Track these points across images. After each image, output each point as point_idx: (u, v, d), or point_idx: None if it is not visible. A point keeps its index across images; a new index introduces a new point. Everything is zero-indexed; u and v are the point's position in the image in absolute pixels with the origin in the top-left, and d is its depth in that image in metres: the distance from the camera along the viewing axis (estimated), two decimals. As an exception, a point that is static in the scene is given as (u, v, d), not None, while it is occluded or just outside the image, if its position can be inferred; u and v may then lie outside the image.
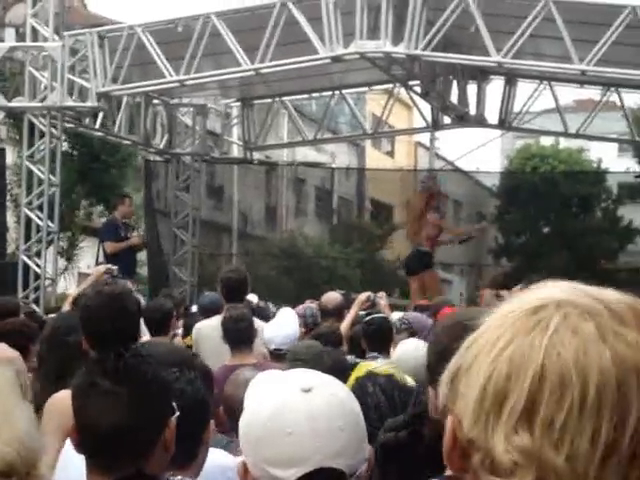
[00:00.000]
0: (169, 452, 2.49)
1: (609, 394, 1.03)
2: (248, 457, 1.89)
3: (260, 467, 1.86)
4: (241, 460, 1.92)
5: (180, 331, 8.20)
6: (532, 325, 1.08)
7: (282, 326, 6.47)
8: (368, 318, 6.83)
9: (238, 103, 15.66)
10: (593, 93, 15.90)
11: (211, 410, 3.06)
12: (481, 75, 14.38)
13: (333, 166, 26.05)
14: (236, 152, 17.47)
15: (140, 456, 2.41)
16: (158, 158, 16.67)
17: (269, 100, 15.48)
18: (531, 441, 1.03)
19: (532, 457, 1.03)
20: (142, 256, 14.95)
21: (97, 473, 2.40)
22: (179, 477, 2.67)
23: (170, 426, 2.47)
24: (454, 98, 14.23)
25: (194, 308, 9.40)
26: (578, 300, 1.09)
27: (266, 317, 7.69)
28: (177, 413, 2.49)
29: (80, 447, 2.44)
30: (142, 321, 6.97)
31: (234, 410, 3.90)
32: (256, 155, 16.78)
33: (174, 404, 2.51)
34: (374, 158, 30.18)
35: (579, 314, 1.08)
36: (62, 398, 3.39)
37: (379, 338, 6.52)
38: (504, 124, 15.35)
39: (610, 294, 1.11)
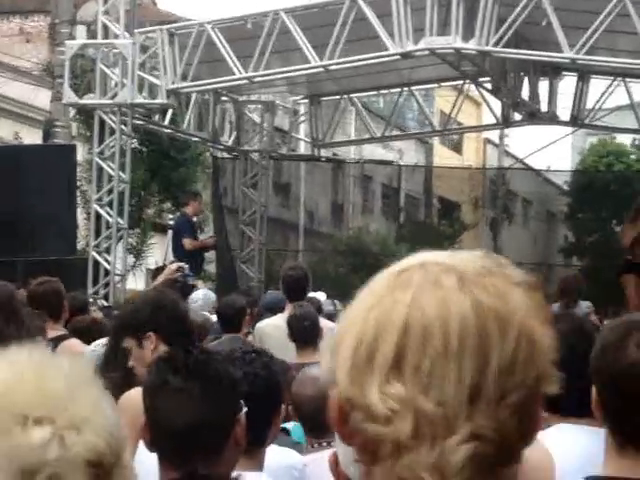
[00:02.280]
0: (240, 447, 2.49)
1: (470, 340, 1.08)
2: (339, 451, 1.86)
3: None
4: (332, 452, 1.88)
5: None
6: (396, 285, 1.13)
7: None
8: None
9: (306, 100, 15.64)
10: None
11: (283, 395, 3.05)
12: (553, 71, 14.16)
13: (400, 163, 25.91)
14: (303, 149, 17.48)
15: (213, 452, 2.41)
16: (226, 155, 16.72)
17: (337, 97, 15.43)
18: (403, 389, 1.07)
19: (407, 404, 1.07)
20: (210, 253, 15.01)
21: (170, 469, 2.38)
22: (240, 473, 2.63)
23: (240, 422, 2.46)
24: (525, 94, 14.04)
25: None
26: (441, 259, 1.14)
27: (329, 316, 7.63)
28: (245, 409, 2.48)
29: (152, 445, 2.43)
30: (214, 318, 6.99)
31: (302, 408, 3.85)
32: (323, 152, 16.74)
33: (246, 389, 2.50)
34: (442, 155, 29.98)
35: (441, 270, 1.12)
36: (134, 396, 3.38)
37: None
38: (576, 121, 15.09)
39: (477, 254, 1.16)
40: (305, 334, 6.07)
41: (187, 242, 12.16)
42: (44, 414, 0.93)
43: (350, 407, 1.11)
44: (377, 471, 1.11)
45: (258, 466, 2.90)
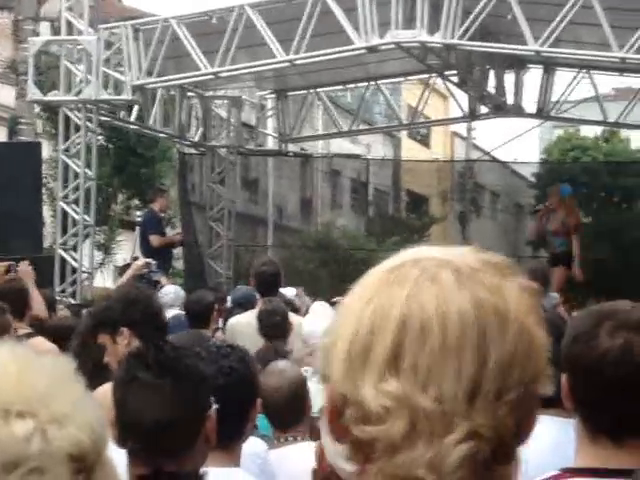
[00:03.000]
0: (210, 444, 2.48)
1: (469, 335, 1.07)
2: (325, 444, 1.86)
3: (334, 458, 1.83)
4: (319, 443, 1.89)
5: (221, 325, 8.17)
6: (391, 280, 1.12)
7: (322, 319, 6.42)
8: None
9: (273, 95, 15.60)
10: (633, 81, 15.65)
11: (258, 389, 3.05)
12: (518, 64, 14.21)
13: (368, 157, 25.93)
14: (271, 144, 17.43)
15: (182, 449, 2.39)
16: (193, 151, 16.66)
17: (304, 92, 15.40)
18: (399, 386, 1.06)
19: (402, 401, 1.06)
20: (178, 250, 14.95)
21: (138, 465, 2.36)
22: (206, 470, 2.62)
23: (211, 418, 2.45)
24: (491, 87, 14.08)
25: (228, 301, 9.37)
26: (435, 254, 1.14)
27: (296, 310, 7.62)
28: (215, 406, 2.47)
29: (121, 441, 2.41)
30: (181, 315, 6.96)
31: (268, 401, 3.85)
32: (291, 147, 16.72)
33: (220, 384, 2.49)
34: (410, 149, 30.04)
35: (437, 265, 1.12)
36: (103, 392, 3.37)
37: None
38: (542, 113, 15.17)
39: (468, 249, 1.15)
40: (275, 329, 6.07)
41: (154, 238, 12.11)
42: (26, 409, 0.92)
43: (343, 403, 1.10)
44: (371, 469, 1.09)
45: (235, 461, 2.89)
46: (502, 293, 1.10)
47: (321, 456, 1.92)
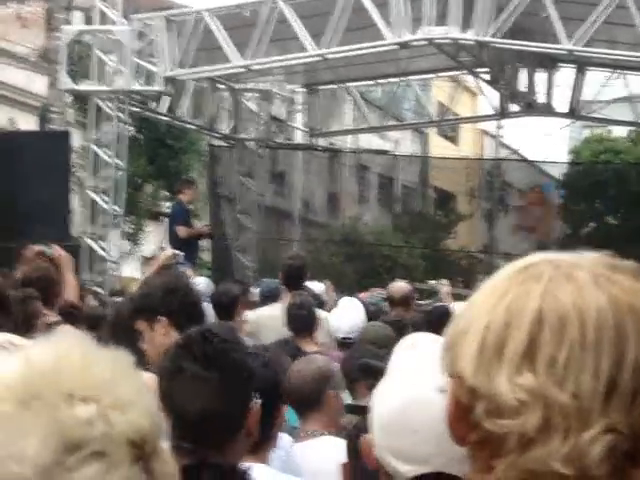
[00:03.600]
0: (252, 437, 2.49)
1: (607, 332, 1.07)
2: (375, 438, 1.87)
3: (382, 453, 1.86)
4: (367, 437, 1.90)
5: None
6: (526, 277, 1.12)
7: (349, 314, 6.41)
8: (430, 307, 6.74)
9: (303, 89, 15.60)
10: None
11: (282, 395, 3.05)
12: (551, 63, 14.13)
13: (397, 153, 25.88)
14: (300, 138, 17.43)
15: (225, 441, 2.41)
16: (222, 143, 16.68)
17: (334, 86, 15.39)
18: (535, 380, 1.06)
19: (537, 395, 1.06)
20: (205, 242, 14.99)
21: (182, 456, 2.37)
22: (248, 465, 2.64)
23: (253, 412, 2.46)
24: (522, 86, 14.01)
25: (254, 292, 9.37)
26: (568, 257, 1.15)
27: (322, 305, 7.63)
28: (259, 400, 2.49)
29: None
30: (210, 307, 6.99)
31: (297, 392, 3.86)
32: (320, 141, 16.71)
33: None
34: (438, 146, 29.95)
35: (570, 265, 1.13)
36: (147, 380, 3.38)
37: (441, 328, 6.42)
38: (573, 113, 15.07)
39: (597, 254, 1.16)
40: (302, 322, 6.07)
41: (181, 230, 12.12)
42: (89, 394, 0.93)
43: (473, 398, 1.10)
44: (498, 465, 1.09)
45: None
46: (637, 294, 1.10)
47: (368, 452, 1.92)
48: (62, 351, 0.97)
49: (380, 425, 1.86)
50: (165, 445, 1.01)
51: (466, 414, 1.12)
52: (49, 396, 0.92)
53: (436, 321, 6.46)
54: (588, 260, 1.15)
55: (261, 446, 2.83)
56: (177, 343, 2.58)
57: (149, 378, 2.59)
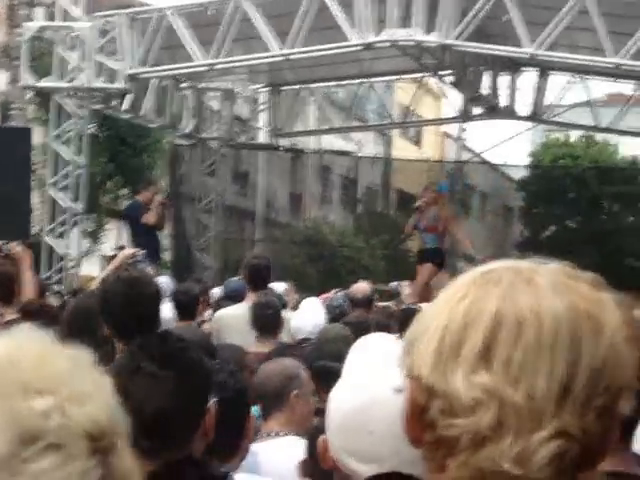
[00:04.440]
0: (208, 437, 2.49)
1: (563, 336, 1.08)
2: (330, 438, 1.87)
3: (338, 453, 1.87)
4: (323, 437, 1.90)
5: (208, 317, 8.14)
6: (485, 281, 1.14)
7: (310, 315, 6.41)
8: (403, 307, 6.75)
9: (266, 89, 15.57)
10: (626, 87, 15.69)
11: (248, 407, 3.05)
12: (513, 66, 14.23)
13: (359, 155, 25.92)
14: (262, 138, 17.39)
15: (183, 441, 2.40)
16: (184, 142, 16.61)
17: (297, 86, 15.38)
18: (490, 379, 1.07)
19: (492, 394, 1.07)
20: (165, 241, 14.91)
21: (138, 457, 2.35)
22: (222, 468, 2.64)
23: (210, 412, 2.47)
24: (485, 89, 14.09)
25: (215, 291, 9.33)
26: (529, 264, 1.16)
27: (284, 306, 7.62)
28: (215, 399, 2.49)
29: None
30: (167, 306, 6.94)
31: (262, 394, 3.85)
32: (282, 142, 16.70)
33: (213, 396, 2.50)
34: (401, 148, 30.04)
35: (531, 270, 1.14)
36: None
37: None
38: (535, 117, 15.18)
39: (558, 264, 1.17)
40: (267, 322, 6.06)
41: (147, 216, 11.92)
42: (46, 386, 0.92)
43: (429, 397, 1.11)
44: (451, 464, 1.10)
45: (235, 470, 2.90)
46: (597, 303, 1.12)
47: (324, 451, 1.92)
48: (20, 345, 0.96)
49: (336, 425, 1.87)
50: (125, 442, 1.00)
51: (422, 414, 1.13)
52: (5, 388, 0.91)
53: (406, 322, 6.45)
54: (549, 268, 1.16)
55: (231, 456, 2.82)
56: (134, 343, 2.58)
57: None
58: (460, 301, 1.13)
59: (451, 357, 1.10)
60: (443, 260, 11.80)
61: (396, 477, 1.81)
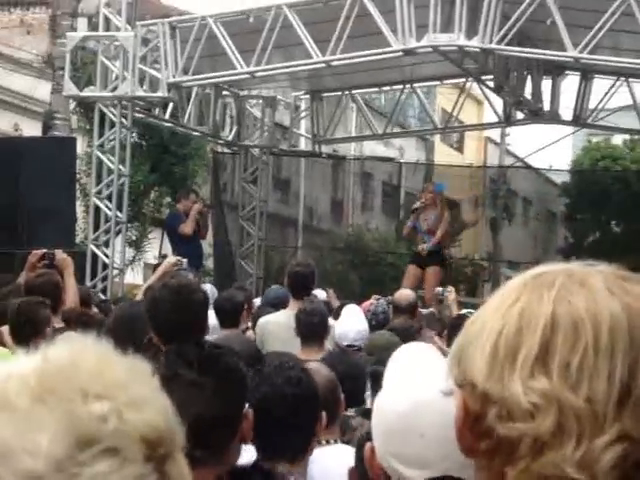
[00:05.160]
0: (245, 442, 2.50)
1: (621, 337, 1.07)
2: (377, 444, 1.85)
3: (386, 459, 1.85)
4: (370, 444, 1.88)
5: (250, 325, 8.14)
6: (538, 284, 1.12)
7: (354, 322, 6.38)
8: (455, 315, 6.70)
9: (307, 96, 15.58)
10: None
11: (319, 408, 3.05)
12: (556, 70, 14.12)
13: (401, 161, 25.87)
14: (304, 145, 17.42)
15: (221, 447, 2.40)
16: (226, 150, 16.67)
17: (338, 93, 15.37)
18: (549, 384, 1.06)
19: (551, 399, 1.05)
20: (208, 249, 14.96)
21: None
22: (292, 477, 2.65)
23: (247, 417, 2.46)
24: (528, 93, 13.99)
25: (257, 301, 9.34)
26: (579, 266, 1.15)
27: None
28: (250, 409, 2.49)
29: None
30: (212, 313, 6.95)
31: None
32: (324, 148, 16.70)
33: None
34: (443, 153, 29.93)
35: (583, 273, 1.13)
36: None
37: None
38: (578, 121, 15.05)
39: (606, 265, 1.16)
40: (312, 330, 6.01)
41: (184, 226, 12.05)
42: (104, 392, 0.93)
43: (485, 405, 1.09)
44: (510, 472, 1.08)
45: (302, 474, 2.91)
46: None
47: (371, 459, 1.90)
48: (78, 350, 0.96)
49: (384, 430, 1.85)
50: (181, 451, 1.00)
51: (476, 423, 1.11)
52: (64, 392, 0.91)
53: (454, 330, 6.39)
54: (600, 270, 1.14)
55: (300, 454, 2.83)
56: (171, 350, 2.58)
57: None
58: (513, 305, 1.12)
59: (507, 363, 1.09)
60: (445, 261, 11.99)
61: None
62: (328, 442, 3.77)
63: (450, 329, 6.41)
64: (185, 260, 8.67)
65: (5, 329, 5.58)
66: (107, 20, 12.53)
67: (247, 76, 12.16)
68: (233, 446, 2.44)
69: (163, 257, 14.48)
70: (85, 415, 0.90)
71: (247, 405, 2.50)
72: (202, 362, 2.43)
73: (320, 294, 9.33)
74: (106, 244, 12.62)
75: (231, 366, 2.49)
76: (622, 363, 1.06)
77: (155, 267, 9.77)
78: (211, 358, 2.46)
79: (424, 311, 9.10)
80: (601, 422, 1.05)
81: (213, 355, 2.48)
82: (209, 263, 16.22)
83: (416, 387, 1.85)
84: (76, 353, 0.96)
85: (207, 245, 14.26)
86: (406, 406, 1.83)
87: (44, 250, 7.60)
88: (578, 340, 1.07)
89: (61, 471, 0.87)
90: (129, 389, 0.94)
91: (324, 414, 3.02)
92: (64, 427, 0.89)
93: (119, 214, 12.52)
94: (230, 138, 15.10)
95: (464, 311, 8.04)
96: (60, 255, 7.42)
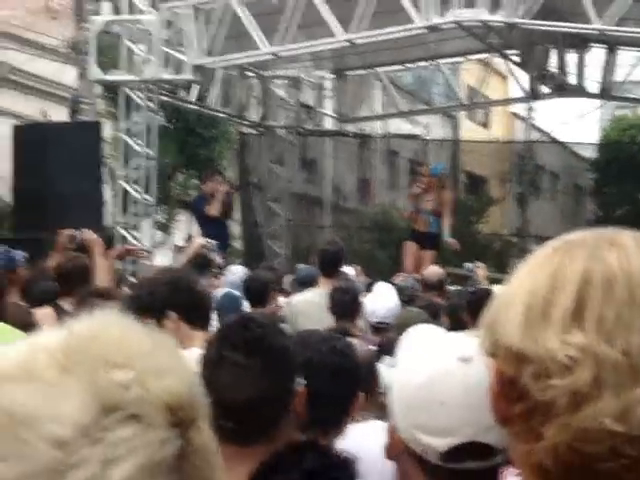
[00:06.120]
0: (301, 417, 2.50)
1: None
2: (398, 420, 1.87)
3: (410, 432, 1.86)
4: (390, 423, 1.90)
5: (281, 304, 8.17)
6: (569, 246, 1.14)
7: (384, 299, 6.40)
8: (472, 289, 6.70)
9: (332, 75, 15.56)
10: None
11: (360, 383, 3.06)
12: (581, 43, 14.01)
13: (427, 138, 25.78)
14: (329, 124, 17.39)
15: (273, 425, 2.42)
16: (252, 131, 16.69)
17: (363, 71, 15.34)
18: (585, 337, 1.06)
19: (588, 352, 1.06)
20: (236, 230, 15.01)
21: (230, 445, 2.39)
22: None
23: (299, 394, 2.48)
24: (553, 67, 13.90)
25: (286, 279, 9.38)
26: (608, 230, 1.16)
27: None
28: (303, 381, 2.50)
29: (213, 420, 2.42)
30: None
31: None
32: (349, 127, 16.68)
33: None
34: (469, 130, 29.81)
35: (613, 233, 1.14)
36: None
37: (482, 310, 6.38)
38: (604, 94, 14.94)
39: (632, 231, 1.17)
40: (345, 308, 6.04)
41: (209, 208, 12.08)
42: (126, 361, 0.96)
43: (520, 366, 1.10)
44: (549, 430, 1.09)
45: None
46: None
47: (392, 434, 1.92)
48: (102, 324, 1.00)
49: (405, 403, 1.87)
50: (204, 418, 1.03)
51: (511, 388, 1.12)
52: (88, 362, 0.95)
53: (477, 303, 6.41)
54: (630, 232, 1.16)
55: (329, 433, 2.85)
56: (217, 332, 2.61)
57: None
58: (542, 268, 1.13)
59: (541, 320, 1.09)
60: (439, 244, 12.01)
61: (473, 447, 1.80)
62: (363, 418, 3.80)
63: (473, 303, 6.41)
64: (214, 242, 8.73)
65: (42, 311, 5.64)
66: (131, 3, 12.55)
67: (271, 56, 12.16)
68: (285, 423, 2.45)
69: (189, 238, 14.55)
70: (108, 383, 0.93)
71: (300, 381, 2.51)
72: (247, 343, 2.44)
73: (350, 271, 9.36)
74: (135, 227, 12.69)
75: (276, 345, 2.49)
76: None
77: (181, 249, 9.84)
78: (256, 338, 2.47)
79: (452, 288, 9.10)
80: (637, 374, 1.06)
81: (257, 335, 2.48)
82: (237, 244, 16.27)
83: (433, 357, 1.87)
84: (100, 326, 0.99)
85: (236, 226, 14.31)
86: (424, 376, 1.85)
87: (72, 230, 7.64)
88: (612, 295, 1.08)
89: (86, 436, 0.91)
90: (151, 358, 0.97)
91: (362, 395, 3.04)
92: (89, 395, 0.92)
93: (147, 197, 12.58)
94: (256, 119, 15.12)
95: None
96: (89, 235, 7.47)
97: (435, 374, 1.83)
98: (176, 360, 1.01)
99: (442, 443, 1.81)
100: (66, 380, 0.93)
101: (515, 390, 1.11)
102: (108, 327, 0.99)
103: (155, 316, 3.88)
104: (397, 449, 1.90)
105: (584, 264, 1.11)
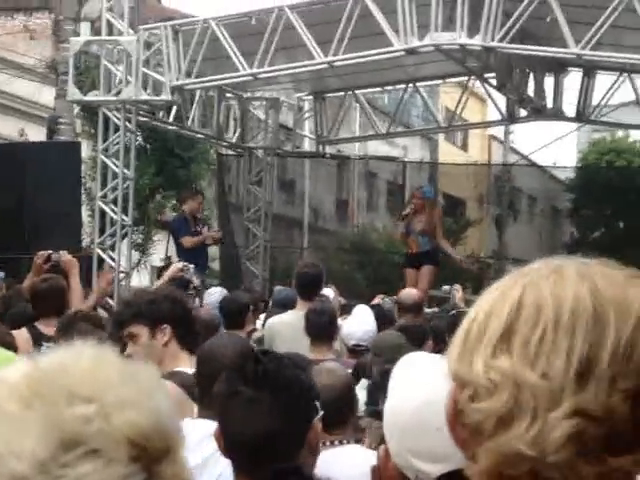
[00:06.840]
0: (314, 454, 2.48)
1: (584, 316, 1.07)
2: (391, 443, 1.85)
3: (404, 456, 1.85)
4: (383, 447, 1.88)
5: (259, 326, 8.15)
6: (516, 275, 1.16)
7: (361, 322, 6.39)
8: (454, 311, 6.70)
9: (310, 97, 15.60)
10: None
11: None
12: (558, 67, 14.11)
13: (405, 160, 25.86)
14: (308, 146, 17.42)
15: (285, 460, 2.40)
16: (231, 152, 16.69)
17: (341, 93, 15.39)
18: (509, 362, 1.07)
19: (509, 376, 1.07)
20: (214, 251, 14.97)
21: (244, 477, 2.39)
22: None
23: (314, 427, 2.45)
24: (530, 91, 13.99)
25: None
26: (566, 260, 1.16)
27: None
28: (321, 413, 2.47)
29: (227, 453, 2.45)
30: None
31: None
32: (328, 149, 16.70)
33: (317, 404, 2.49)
34: (447, 152, 29.92)
35: (563, 262, 1.15)
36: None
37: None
38: (582, 117, 15.04)
39: (598, 260, 1.17)
40: (321, 329, 6.02)
41: (186, 240, 12.12)
42: (92, 394, 0.94)
43: (460, 389, 1.11)
44: (481, 454, 1.08)
45: None
46: (625, 289, 1.10)
47: (385, 460, 1.91)
48: (72, 355, 0.98)
49: (400, 428, 1.86)
50: (179, 451, 1.01)
51: (459, 412, 1.13)
52: (51, 395, 0.93)
53: (457, 326, 6.37)
54: (585, 261, 1.16)
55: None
56: (231, 367, 2.60)
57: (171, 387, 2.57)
58: (490, 294, 1.15)
59: (475, 345, 1.11)
60: (438, 260, 12.01)
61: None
62: (341, 442, 3.78)
63: (449, 327, 6.42)
64: (192, 266, 8.72)
65: (18, 333, 5.61)
66: (110, 24, 12.54)
67: (250, 78, 12.18)
68: (300, 457, 2.43)
69: (168, 259, 14.52)
70: (69, 417, 0.92)
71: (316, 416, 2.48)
72: (259, 378, 2.42)
73: (329, 293, 9.34)
74: (112, 248, 12.64)
75: (290, 379, 2.46)
76: (583, 340, 1.06)
77: (160, 270, 9.82)
78: (269, 373, 2.44)
79: (429, 310, 9.10)
80: (556, 398, 1.05)
81: (271, 370, 2.45)
82: (215, 265, 16.23)
83: (428, 382, 1.86)
84: (69, 357, 0.98)
85: (214, 247, 14.27)
86: (420, 401, 1.84)
87: (50, 251, 7.62)
88: (539, 319, 1.09)
89: (45, 472, 0.89)
90: (118, 391, 0.95)
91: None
92: (48, 430, 0.91)
93: (125, 217, 12.54)
94: (234, 140, 15.12)
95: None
96: (65, 257, 7.46)
97: (431, 398, 1.81)
98: (145, 390, 0.98)
99: (436, 469, 1.80)
100: (27, 414, 0.92)
101: (460, 414, 1.12)
102: (79, 359, 0.97)
103: (150, 325, 3.88)
104: (390, 474, 1.88)
105: (520, 291, 1.12)
